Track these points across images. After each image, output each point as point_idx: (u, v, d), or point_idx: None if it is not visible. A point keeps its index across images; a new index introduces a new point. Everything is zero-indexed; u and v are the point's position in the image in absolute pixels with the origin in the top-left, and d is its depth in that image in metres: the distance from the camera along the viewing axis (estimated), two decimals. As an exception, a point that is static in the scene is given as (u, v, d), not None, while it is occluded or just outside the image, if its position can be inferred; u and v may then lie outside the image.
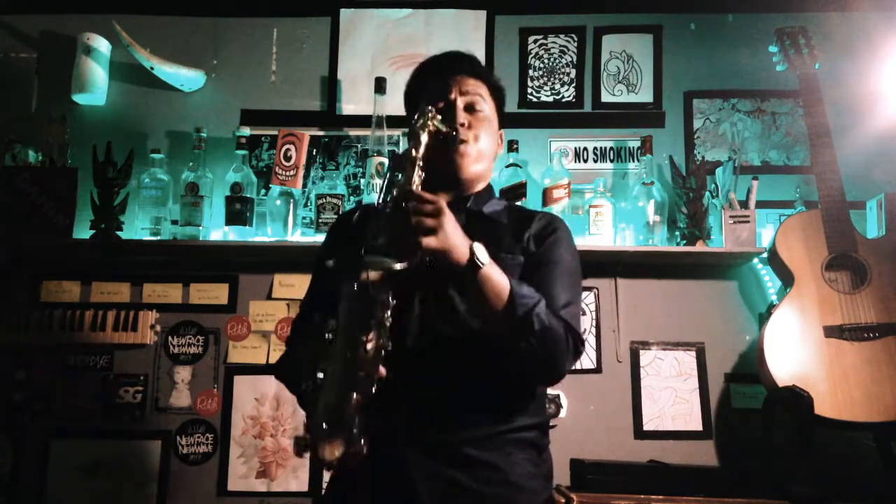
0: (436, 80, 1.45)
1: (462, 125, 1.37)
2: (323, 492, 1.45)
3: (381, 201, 1.17)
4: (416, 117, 1.24)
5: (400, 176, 1.17)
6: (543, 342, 1.22)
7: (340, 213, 2.32)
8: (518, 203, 1.58)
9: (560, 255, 1.39)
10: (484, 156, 1.42)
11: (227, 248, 2.39)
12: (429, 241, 1.10)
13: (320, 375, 1.06)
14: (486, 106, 1.45)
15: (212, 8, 2.66)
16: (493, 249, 1.24)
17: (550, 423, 2.33)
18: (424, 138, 1.22)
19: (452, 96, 1.41)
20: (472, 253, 1.15)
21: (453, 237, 1.14)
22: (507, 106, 2.54)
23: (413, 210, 1.11)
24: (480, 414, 1.27)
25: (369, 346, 1.05)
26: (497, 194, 1.58)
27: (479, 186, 1.46)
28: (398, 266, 1.06)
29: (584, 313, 2.48)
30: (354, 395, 1.03)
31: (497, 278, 1.19)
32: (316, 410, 1.03)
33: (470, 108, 1.41)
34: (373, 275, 1.05)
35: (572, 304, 1.34)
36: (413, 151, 1.19)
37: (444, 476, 1.22)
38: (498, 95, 1.51)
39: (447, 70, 1.45)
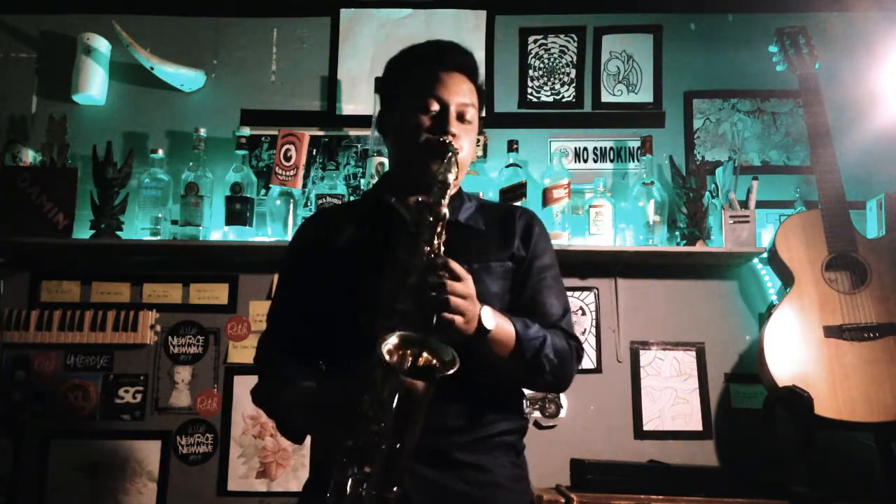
0: (428, 74, 1.35)
1: (453, 135, 1.31)
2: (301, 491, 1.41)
3: (405, 254, 1.13)
4: (441, 167, 1.19)
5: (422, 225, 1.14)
6: (555, 373, 1.29)
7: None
8: (484, 198, 1.52)
9: (547, 259, 1.42)
10: (464, 165, 1.37)
11: (227, 248, 2.39)
12: (459, 322, 1.11)
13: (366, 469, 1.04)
14: (474, 114, 1.38)
15: (212, 8, 2.66)
16: (481, 258, 1.29)
17: (551, 424, 2.37)
18: (451, 191, 1.17)
19: (448, 101, 1.33)
20: (479, 322, 1.16)
21: (475, 317, 1.15)
22: (507, 106, 2.62)
23: (450, 291, 1.09)
24: (467, 418, 1.28)
25: (414, 439, 1.06)
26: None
27: (452, 192, 1.39)
28: (452, 371, 1.04)
29: (584, 313, 2.48)
30: (395, 487, 1.05)
31: (503, 334, 1.22)
32: (346, 498, 1.03)
33: (460, 117, 1.34)
34: (422, 385, 1.03)
35: (567, 310, 1.40)
36: (443, 209, 1.14)
37: (434, 480, 1.22)
38: (482, 98, 1.45)
39: (441, 64, 1.36)
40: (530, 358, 1.25)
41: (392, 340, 1.04)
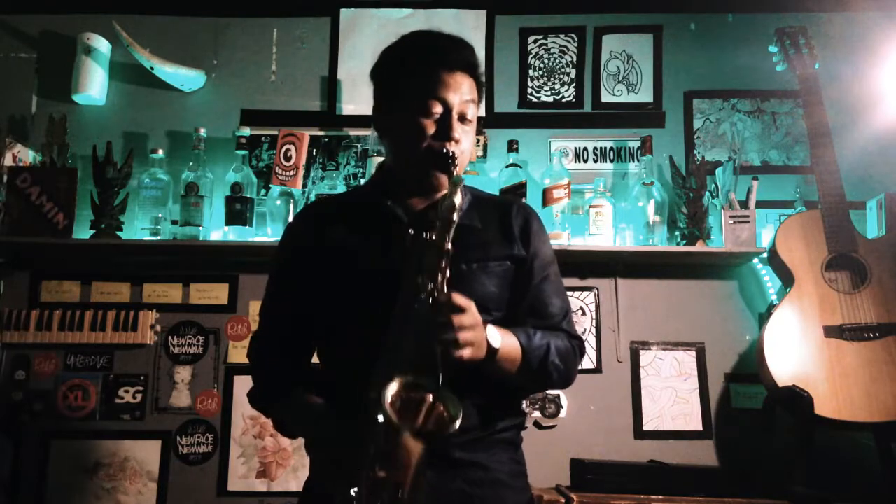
0: (430, 74, 1.29)
1: (456, 141, 1.28)
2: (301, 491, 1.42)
3: (409, 291, 1.13)
4: (444, 199, 1.16)
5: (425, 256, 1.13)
6: (561, 376, 1.32)
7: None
8: (477, 190, 1.48)
9: (547, 256, 1.41)
10: (463, 164, 1.34)
11: (227, 248, 2.39)
12: (467, 354, 1.11)
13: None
14: (475, 111, 1.34)
15: (212, 8, 2.66)
16: (478, 258, 1.28)
17: (551, 424, 2.37)
18: (456, 218, 1.15)
19: (451, 103, 1.28)
20: (488, 344, 1.18)
21: (483, 343, 1.16)
22: (507, 106, 2.62)
23: (456, 324, 1.09)
24: (466, 418, 1.26)
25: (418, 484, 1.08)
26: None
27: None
28: (457, 426, 1.06)
29: (584, 313, 2.48)
30: None
31: (510, 350, 1.23)
32: None
33: (462, 117, 1.30)
34: (422, 445, 1.06)
35: (568, 309, 1.41)
36: (447, 243, 1.13)
37: (435, 480, 1.21)
38: (482, 90, 1.39)
39: (443, 63, 1.30)
40: (537, 367, 1.27)
41: (392, 387, 1.05)
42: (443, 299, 1.10)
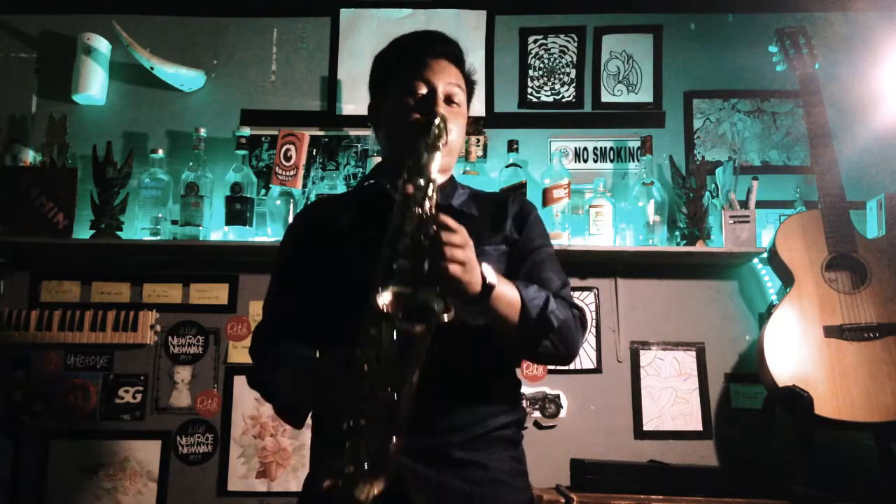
0: (416, 61, 1.36)
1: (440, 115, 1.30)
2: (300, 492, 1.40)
3: (396, 221, 1.10)
4: (433, 131, 1.18)
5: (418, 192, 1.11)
6: (561, 334, 1.26)
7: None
8: (475, 189, 1.51)
9: (541, 239, 1.42)
10: (454, 149, 1.37)
11: (227, 248, 2.39)
12: (458, 271, 1.08)
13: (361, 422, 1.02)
14: (462, 97, 1.38)
15: (212, 8, 2.66)
16: (475, 242, 1.26)
17: (551, 424, 2.37)
18: (440, 154, 1.17)
19: (435, 83, 1.34)
20: (483, 277, 1.15)
21: (476, 268, 1.13)
22: (507, 106, 2.62)
23: (445, 241, 1.07)
24: (467, 415, 1.27)
25: (412, 388, 1.03)
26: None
27: (444, 178, 1.41)
28: (447, 317, 1.02)
29: (584, 313, 2.48)
30: (395, 438, 1.02)
31: (507, 292, 1.20)
32: (344, 452, 1.01)
33: (448, 100, 1.35)
34: (419, 328, 1.01)
35: (566, 283, 1.39)
36: (432, 171, 1.13)
37: (435, 480, 1.22)
38: (470, 88, 1.44)
39: (428, 51, 1.38)
40: (536, 316, 1.22)
41: (386, 294, 1.02)
42: (430, 218, 1.09)
